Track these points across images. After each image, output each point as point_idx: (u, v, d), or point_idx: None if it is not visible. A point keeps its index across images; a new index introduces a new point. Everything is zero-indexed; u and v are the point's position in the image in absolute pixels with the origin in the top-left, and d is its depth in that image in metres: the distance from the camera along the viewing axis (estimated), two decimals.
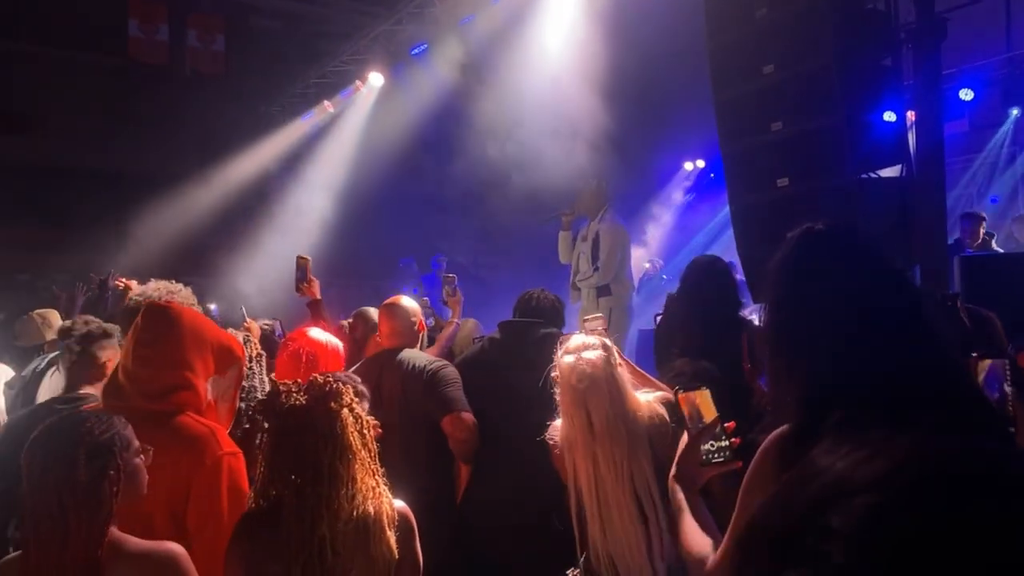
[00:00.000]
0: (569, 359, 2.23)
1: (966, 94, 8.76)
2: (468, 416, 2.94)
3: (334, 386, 1.77)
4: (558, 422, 2.31)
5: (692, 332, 3.07)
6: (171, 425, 2.00)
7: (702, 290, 3.20)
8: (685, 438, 1.59)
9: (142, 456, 1.78)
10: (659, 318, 3.70)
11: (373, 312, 3.60)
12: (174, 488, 1.92)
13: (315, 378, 1.79)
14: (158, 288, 2.72)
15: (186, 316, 2.14)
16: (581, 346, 2.27)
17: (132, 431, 1.77)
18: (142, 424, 1.84)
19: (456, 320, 3.92)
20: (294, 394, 1.75)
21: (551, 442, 2.31)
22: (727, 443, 1.56)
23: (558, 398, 2.24)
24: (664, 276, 9.21)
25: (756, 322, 3.38)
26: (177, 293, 2.68)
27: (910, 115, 4.75)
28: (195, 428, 2.02)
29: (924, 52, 4.54)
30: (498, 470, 2.89)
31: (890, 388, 1.06)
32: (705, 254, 3.65)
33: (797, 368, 1.19)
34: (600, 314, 3.26)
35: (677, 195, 11.42)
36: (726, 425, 1.57)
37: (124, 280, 4.20)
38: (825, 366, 1.15)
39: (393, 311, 3.28)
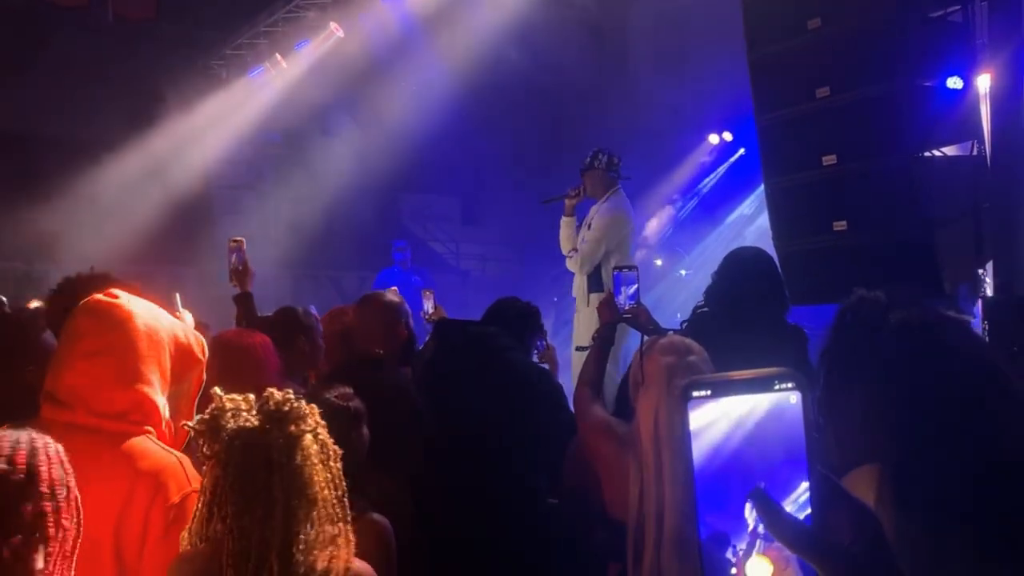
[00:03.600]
0: (672, 360, 2.25)
1: None
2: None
3: (295, 405, 1.70)
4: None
5: (729, 340, 3.04)
6: (128, 449, 1.90)
7: (743, 289, 3.17)
8: None
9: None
10: (684, 324, 3.65)
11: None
12: (125, 526, 1.83)
13: (271, 394, 1.72)
14: (80, 281, 2.63)
15: (139, 315, 1.99)
16: (683, 347, 2.30)
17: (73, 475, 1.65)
18: (87, 444, 1.73)
19: None
20: (244, 413, 1.68)
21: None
22: None
23: (640, 403, 2.29)
24: (683, 272, 9.19)
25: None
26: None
27: (982, 81, 4.73)
28: (159, 456, 1.92)
29: (1001, 4, 4.50)
30: None
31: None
32: (746, 246, 3.63)
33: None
34: None
35: (698, 174, 11.36)
36: None
37: None
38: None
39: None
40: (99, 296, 2.04)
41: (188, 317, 4.47)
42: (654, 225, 10.04)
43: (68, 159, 9.64)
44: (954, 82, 4.42)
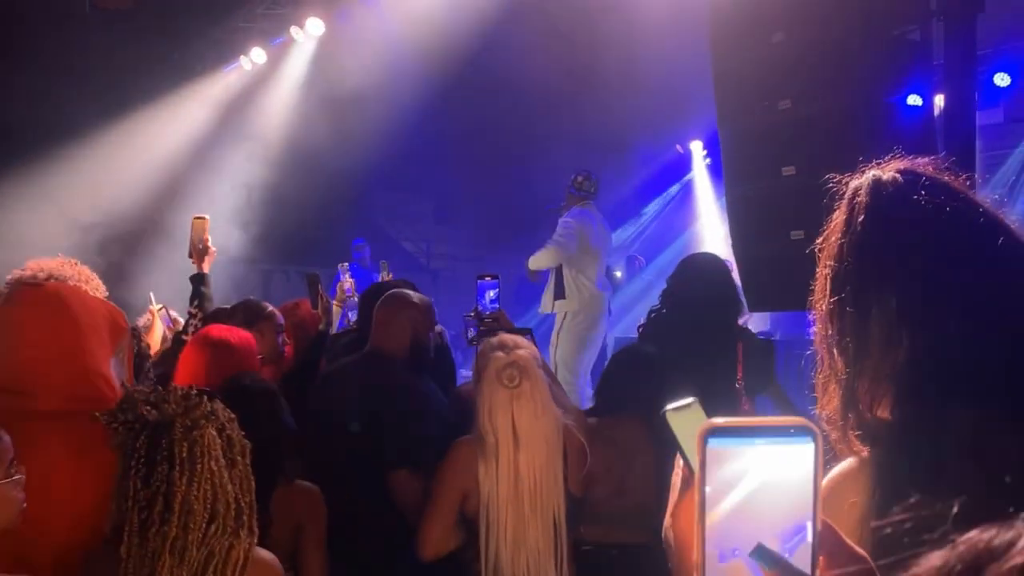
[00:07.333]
0: (501, 355, 2.44)
1: (1002, 79, 8.90)
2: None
3: (200, 399, 1.72)
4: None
5: (682, 342, 3.11)
6: (95, 426, 1.89)
7: (696, 292, 3.25)
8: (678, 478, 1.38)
9: (15, 476, 1.69)
10: (641, 327, 3.69)
11: None
12: (102, 495, 1.83)
13: (174, 388, 1.74)
14: (43, 269, 2.59)
15: (69, 294, 2.07)
16: (512, 343, 2.51)
17: (8, 443, 1.67)
18: (54, 428, 1.81)
19: None
20: (146, 406, 1.69)
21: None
22: None
23: (476, 396, 2.47)
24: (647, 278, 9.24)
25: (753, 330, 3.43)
26: (70, 278, 2.55)
27: (938, 100, 4.79)
28: None
29: (956, 26, 4.57)
30: None
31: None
32: (701, 252, 3.67)
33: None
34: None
35: (664, 182, 11.42)
36: None
37: None
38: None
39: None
40: (29, 282, 2.12)
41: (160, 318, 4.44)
42: None
43: (37, 148, 9.49)
44: (914, 99, 4.48)
